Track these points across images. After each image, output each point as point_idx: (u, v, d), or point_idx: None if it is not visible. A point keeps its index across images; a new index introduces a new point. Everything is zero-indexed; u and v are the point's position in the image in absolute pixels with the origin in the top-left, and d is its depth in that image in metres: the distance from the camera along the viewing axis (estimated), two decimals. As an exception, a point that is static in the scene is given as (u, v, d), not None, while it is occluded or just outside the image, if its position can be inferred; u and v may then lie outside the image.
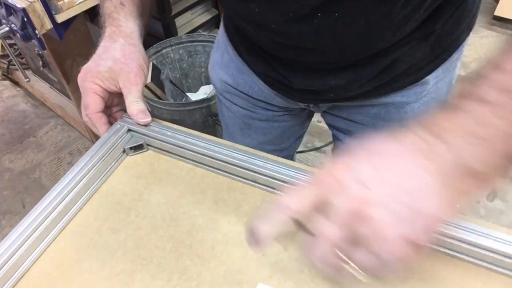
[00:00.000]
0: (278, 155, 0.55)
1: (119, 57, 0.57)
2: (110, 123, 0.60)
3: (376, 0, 0.41)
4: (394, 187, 0.28)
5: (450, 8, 0.52)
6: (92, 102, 0.57)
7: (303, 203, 0.31)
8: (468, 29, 0.58)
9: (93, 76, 0.56)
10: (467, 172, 0.29)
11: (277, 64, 0.62)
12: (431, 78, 0.59)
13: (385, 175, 0.29)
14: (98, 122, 0.58)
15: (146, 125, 0.59)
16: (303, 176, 0.49)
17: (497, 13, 2.32)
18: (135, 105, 0.57)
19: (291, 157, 0.94)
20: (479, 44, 2.23)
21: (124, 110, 0.60)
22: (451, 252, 0.46)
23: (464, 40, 0.59)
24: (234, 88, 0.74)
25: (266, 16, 0.47)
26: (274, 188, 0.53)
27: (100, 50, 0.59)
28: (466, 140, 0.29)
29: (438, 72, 0.59)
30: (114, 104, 0.62)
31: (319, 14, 0.44)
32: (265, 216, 0.32)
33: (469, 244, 0.43)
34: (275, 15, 0.47)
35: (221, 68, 0.74)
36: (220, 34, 0.74)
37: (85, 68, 0.58)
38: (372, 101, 0.63)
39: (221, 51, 0.74)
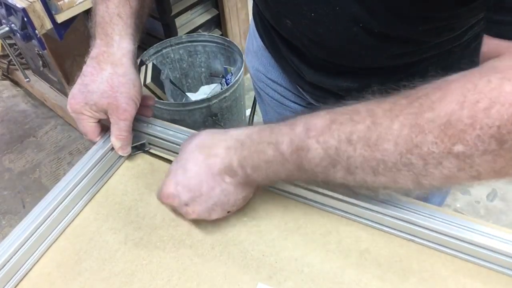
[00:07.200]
0: None
1: (106, 90, 0.54)
2: None
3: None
4: (207, 201, 0.47)
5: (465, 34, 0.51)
6: (89, 130, 0.57)
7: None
8: None
9: (81, 107, 0.55)
10: (255, 184, 0.48)
11: (292, 54, 0.61)
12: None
13: (201, 195, 0.47)
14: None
15: (146, 124, 0.60)
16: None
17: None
18: (118, 140, 0.56)
19: None
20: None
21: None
22: (451, 252, 0.46)
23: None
24: (265, 76, 0.75)
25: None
26: (272, 187, 0.53)
27: (87, 78, 0.55)
28: (262, 172, 0.44)
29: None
30: None
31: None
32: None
33: (469, 243, 0.44)
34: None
35: (252, 55, 0.76)
36: (251, 20, 0.75)
37: (72, 98, 0.55)
38: None
39: (251, 38, 0.75)
